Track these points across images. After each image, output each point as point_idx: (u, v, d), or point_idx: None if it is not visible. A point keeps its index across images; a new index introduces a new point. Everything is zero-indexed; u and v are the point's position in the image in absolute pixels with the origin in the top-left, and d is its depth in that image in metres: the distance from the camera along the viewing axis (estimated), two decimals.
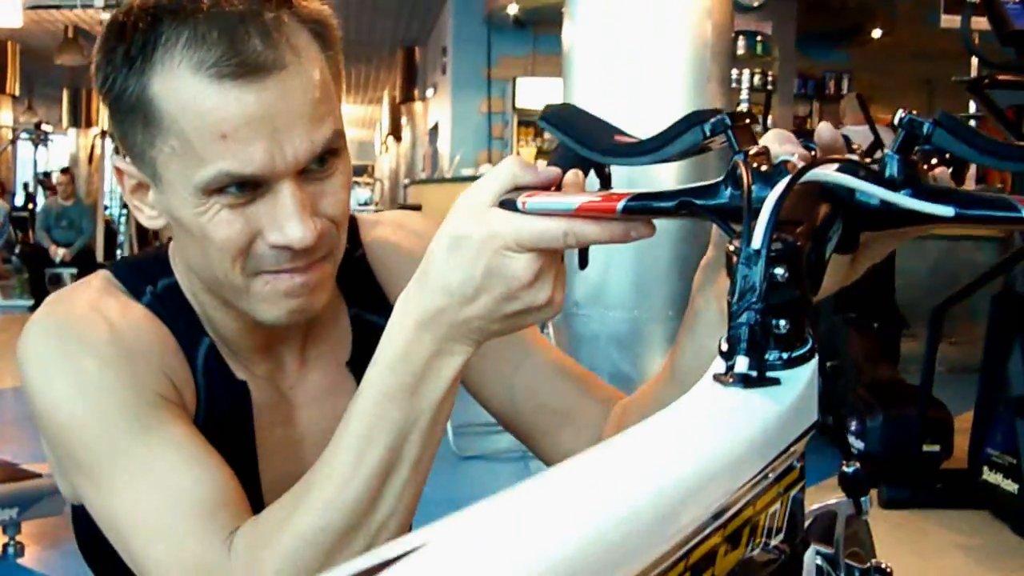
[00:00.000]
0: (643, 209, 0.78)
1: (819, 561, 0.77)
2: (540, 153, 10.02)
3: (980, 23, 4.26)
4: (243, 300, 0.96)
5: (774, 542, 0.61)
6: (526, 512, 0.43)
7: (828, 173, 0.70)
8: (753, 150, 0.74)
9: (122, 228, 14.91)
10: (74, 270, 11.28)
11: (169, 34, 0.88)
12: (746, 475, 0.53)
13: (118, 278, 1.04)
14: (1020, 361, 3.98)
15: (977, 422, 4.23)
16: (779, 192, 0.63)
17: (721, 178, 0.76)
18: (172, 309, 1.03)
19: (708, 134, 0.75)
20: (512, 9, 9.22)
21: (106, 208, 15.09)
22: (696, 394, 0.60)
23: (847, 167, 0.71)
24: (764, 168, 0.72)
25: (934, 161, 0.77)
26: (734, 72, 7.68)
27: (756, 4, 8.16)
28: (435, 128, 12.07)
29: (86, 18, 11.38)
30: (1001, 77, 4.11)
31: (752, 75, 8.56)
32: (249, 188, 0.90)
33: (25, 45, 13.44)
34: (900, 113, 0.71)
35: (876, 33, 9.87)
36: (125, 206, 15.22)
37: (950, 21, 6.77)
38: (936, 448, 4.34)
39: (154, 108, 0.89)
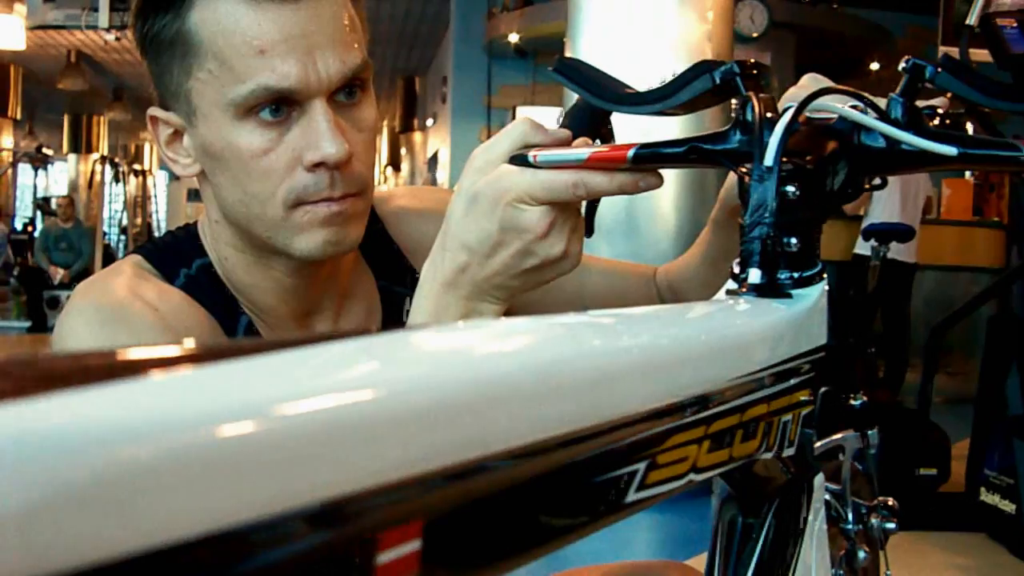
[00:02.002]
0: (653, 156, 0.80)
1: (827, 496, 0.78)
2: None
3: (976, 55, 4.31)
4: (280, 235, 0.97)
5: (786, 453, 0.63)
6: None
7: (836, 105, 0.72)
8: (757, 95, 0.76)
9: (120, 254, 14.98)
10: (71, 292, 11.30)
11: None
12: (758, 359, 0.55)
13: (150, 262, 1.03)
14: (1017, 382, 3.99)
15: (974, 443, 4.24)
16: (792, 112, 0.66)
17: (730, 125, 0.78)
18: (208, 290, 1.04)
19: (717, 81, 0.77)
20: (513, 38, 9.29)
21: (104, 234, 15.13)
22: (704, 302, 0.62)
23: (855, 107, 0.74)
24: (770, 115, 0.75)
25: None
26: (733, 101, 7.72)
27: (755, 35, 8.24)
28: (434, 157, 12.12)
29: (89, 42, 11.45)
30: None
31: None
32: (284, 108, 0.93)
33: (27, 69, 13.50)
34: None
35: (875, 66, 9.96)
36: (123, 231, 15.30)
37: (948, 52, 6.84)
38: (933, 472, 4.34)
39: (192, 36, 0.93)
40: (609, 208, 3.50)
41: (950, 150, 0.72)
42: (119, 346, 0.88)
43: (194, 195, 26.74)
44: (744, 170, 0.67)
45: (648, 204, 4.26)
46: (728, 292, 0.64)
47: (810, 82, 0.92)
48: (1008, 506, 3.91)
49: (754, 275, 0.63)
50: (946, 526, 4.15)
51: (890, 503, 0.81)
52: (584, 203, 0.93)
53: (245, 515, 0.23)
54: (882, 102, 0.77)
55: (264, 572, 0.24)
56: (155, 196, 16.87)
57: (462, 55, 10.30)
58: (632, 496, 0.39)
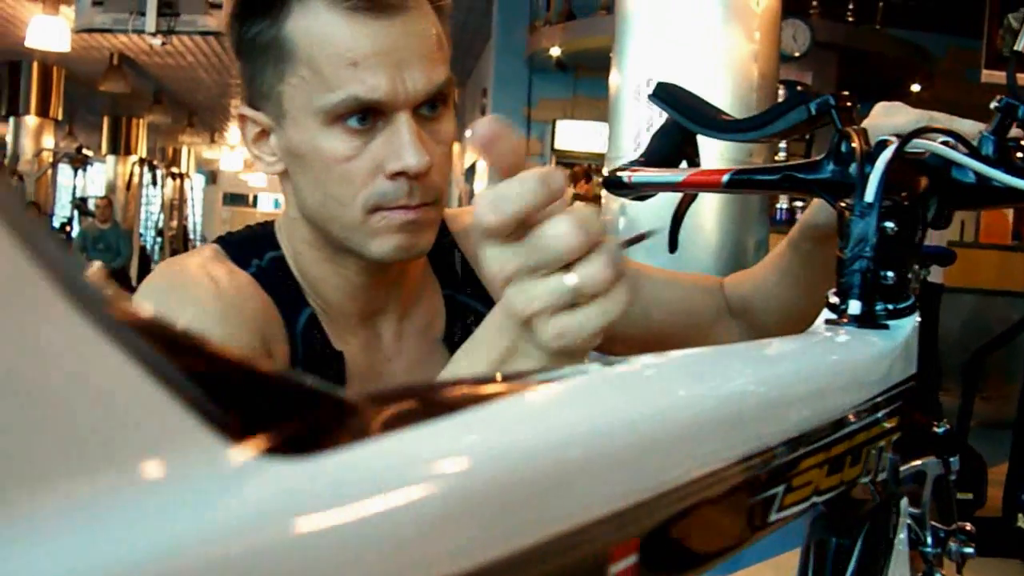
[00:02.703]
0: (747, 182, 0.83)
1: (908, 521, 0.81)
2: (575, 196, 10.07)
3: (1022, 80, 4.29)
4: (356, 237, 1.01)
5: (880, 478, 0.65)
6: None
7: (932, 144, 0.75)
8: (852, 128, 0.79)
9: (155, 256, 15.12)
10: None
11: None
12: (863, 395, 0.57)
13: (226, 251, 1.09)
14: None
15: (1012, 469, 4.22)
16: (891, 151, 0.68)
17: (824, 155, 0.81)
18: (276, 280, 1.08)
19: (813, 112, 0.80)
20: (555, 51, 9.33)
21: (140, 235, 15.28)
22: (811, 332, 0.65)
23: (948, 143, 0.76)
24: (863, 148, 0.77)
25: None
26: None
27: (797, 54, 8.23)
28: (472, 168, 12.17)
29: (132, 45, 11.57)
30: None
31: None
32: (370, 118, 0.97)
33: (69, 70, 13.67)
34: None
35: (915, 87, 9.93)
36: (159, 234, 15.45)
37: (991, 76, 6.82)
38: (969, 496, 4.32)
39: (288, 43, 0.98)
40: (652, 224, 3.52)
41: None
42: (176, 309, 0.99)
43: (230, 199, 26.97)
44: (844, 204, 0.70)
45: (690, 221, 4.26)
46: (828, 322, 0.67)
47: (883, 111, 0.93)
48: None
49: (854, 307, 0.66)
50: (982, 552, 4.12)
51: (967, 528, 0.83)
52: (670, 219, 0.95)
53: (547, 532, 0.27)
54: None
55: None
56: (191, 199, 17.01)
57: (503, 67, 10.34)
58: (773, 516, 0.42)
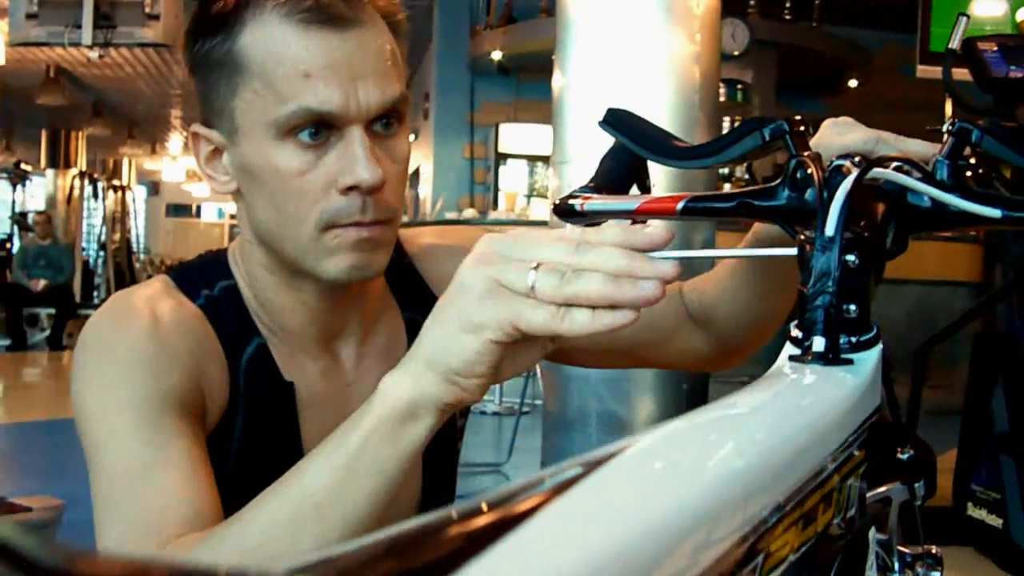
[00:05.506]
0: (702, 210, 0.82)
1: (876, 548, 0.80)
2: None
3: (958, 74, 4.36)
4: (310, 256, 1.00)
5: (850, 514, 0.65)
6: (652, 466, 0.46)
7: (889, 172, 0.74)
8: (807, 154, 0.78)
9: (99, 270, 14.91)
10: (51, 310, 11.24)
11: None
12: (838, 439, 0.57)
13: (175, 281, 1.08)
14: (1003, 398, 4.04)
15: (961, 459, 4.29)
16: (850, 183, 0.68)
17: (779, 180, 0.80)
18: (225, 311, 1.07)
19: (767, 138, 0.79)
20: (496, 55, 9.31)
21: (83, 250, 15.06)
22: (778, 371, 0.64)
23: (903, 169, 0.76)
24: (814, 172, 0.77)
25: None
26: None
27: (737, 53, 8.30)
28: (416, 173, 12.13)
29: (69, 57, 11.40)
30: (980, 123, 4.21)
31: (733, 122, 8.68)
32: (323, 132, 0.96)
33: (5, 84, 13.42)
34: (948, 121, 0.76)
35: (853, 83, 10.04)
36: (102, 247, 15.22)
37: (925, 71, 6.90)
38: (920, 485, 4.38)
39: (241, 57, 0.97)
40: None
41: (995, 212, 0.74)
42: (109, 348, 0.97)
43: (173, 210, 26.64)
44: (804, 238, 0.69)
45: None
46: (791, 358, 0.66)
47: (832, 129, 0.93)
48: (995, 520, 3.96)
49: (818, 343, 0.65)
50: (934, 540, 4.18)
51: (934, 551, 0.83)
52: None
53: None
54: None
55: None
56: (134, 211, 16.80)
57: (445, 72, 10.31)
58: None
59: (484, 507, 0.33)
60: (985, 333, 4.32)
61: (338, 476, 0.79)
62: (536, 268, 0.69)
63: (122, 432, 0.95)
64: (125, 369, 0.98)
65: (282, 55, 0.95)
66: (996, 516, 3.96)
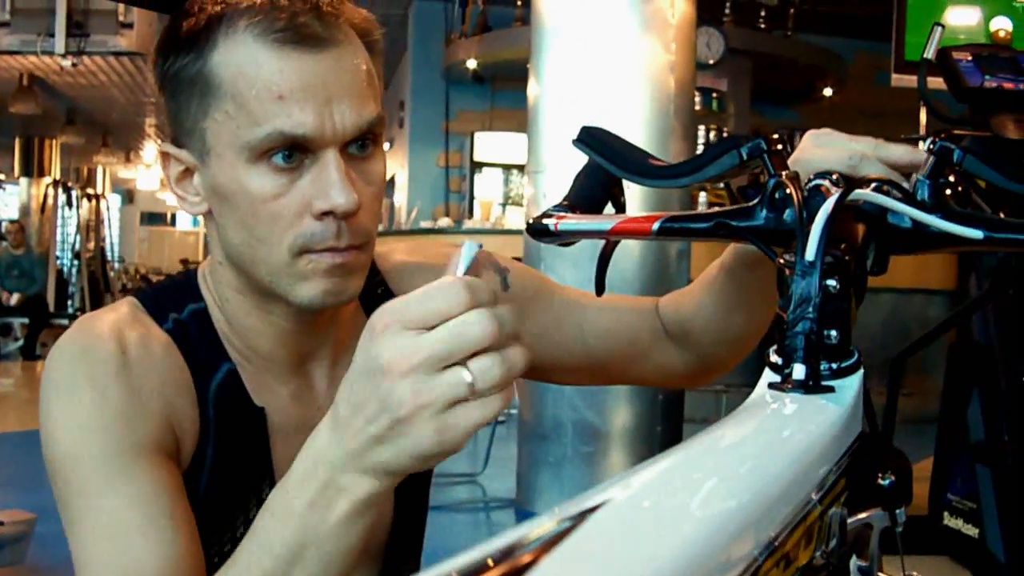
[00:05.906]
0: (678, 231, 0.80)
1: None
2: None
3: (933, 82, 4.38)
4: (282, 281, 0.97)
5: (831, 545, 0.63)
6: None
7: (869, 193, 0.73)
8: (785, 174, 0.77)
9: (73, 279, 14.79)
10: (25, 319, 11.14)
11: (233, 14, 0.94)
12: (822, 471, 0.55)
13: (143, 304, 1.05)
14: (979, 408, 4.05)
15: (937, 469, 4.29)
16: (830, 207, 0.66)
17: (756, 200, 0.78)
18: (194, 335, 1.05)
19: (745, 157, 0.78)
20: (471, 64, 9.30)
21: (57, 258, 14.93)
22: (758, 401, 0.62)
23: (883, 190, 0.75)
24: (792, 191, 0.75)
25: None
26: None
27: (712, 62, 8.31)
28: (391, 181, 12.11)
29: (42, 65, 11.31)
30: (956, 132, 4.22)
31: (708, 131, 8.69)
32: (297, 155, 0.93)
33: None
34: (929, 140, 0.75)
35: (827, 92, 10.09)
36: (76, 256, 15.09)
37: (900, 80, 6.93)
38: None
39: (213, 77, 0.94)
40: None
41: (976, 234, 0.73)
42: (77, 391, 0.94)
43: (147, 218, 26.50)
44: (783, 261, 0.68)
45: None
46: (771, 386, 0.65)
47: (812, 142, 0.92)
48: (971, 530, 3.97)
49: (799, 371, 0.63)
50: (909, 550, 4.18)
51: None
52: (597, 261, 0.93)
53: None
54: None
55: None
56: (108, 220, 16.67)
57: (420, 80, 10.29)
58: None
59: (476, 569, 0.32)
60: (960, 343, 4.33)
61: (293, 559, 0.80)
62: (465, 364, 0.70)
63: (99, 488, 0.92)
64: (97, 419, 0.94)
65: (255, 77, 0.92)
66: (972, 526, 3.97)
